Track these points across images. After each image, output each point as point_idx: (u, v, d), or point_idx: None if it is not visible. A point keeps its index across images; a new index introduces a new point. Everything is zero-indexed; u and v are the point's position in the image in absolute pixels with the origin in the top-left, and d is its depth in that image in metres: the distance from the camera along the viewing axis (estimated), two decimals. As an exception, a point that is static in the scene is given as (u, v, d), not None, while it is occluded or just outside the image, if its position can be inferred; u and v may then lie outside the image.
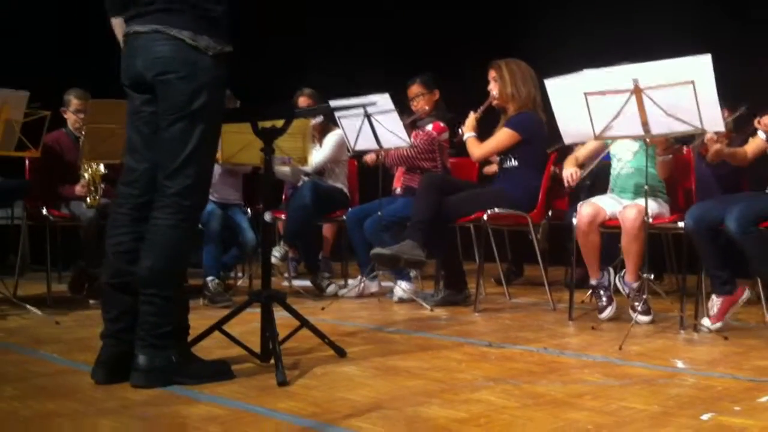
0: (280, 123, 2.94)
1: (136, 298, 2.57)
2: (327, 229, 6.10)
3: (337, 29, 7.75)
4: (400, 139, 4.53)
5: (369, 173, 5.52)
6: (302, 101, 5.45)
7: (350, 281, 5.21)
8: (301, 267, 5.63)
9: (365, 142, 4.68)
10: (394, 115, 4.47)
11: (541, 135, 4.57)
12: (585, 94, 3.46)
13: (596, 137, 3.58)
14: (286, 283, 5.45)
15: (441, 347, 3.26)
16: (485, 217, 4.30)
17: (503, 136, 4.54)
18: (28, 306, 4.09)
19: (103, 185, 4.57)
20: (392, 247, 4.22)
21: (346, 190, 5.41)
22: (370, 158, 5.27)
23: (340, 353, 2.99)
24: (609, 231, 4.06)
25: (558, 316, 4.15)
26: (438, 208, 4.35)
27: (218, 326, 2.86)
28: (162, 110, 2.58)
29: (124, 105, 4.28)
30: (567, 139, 3.82)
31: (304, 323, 2.93)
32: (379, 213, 4.64)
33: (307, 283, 5.29)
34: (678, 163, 4.09)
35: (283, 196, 5.78)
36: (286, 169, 5.19)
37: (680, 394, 2.45)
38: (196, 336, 2.79)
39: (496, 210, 4.35)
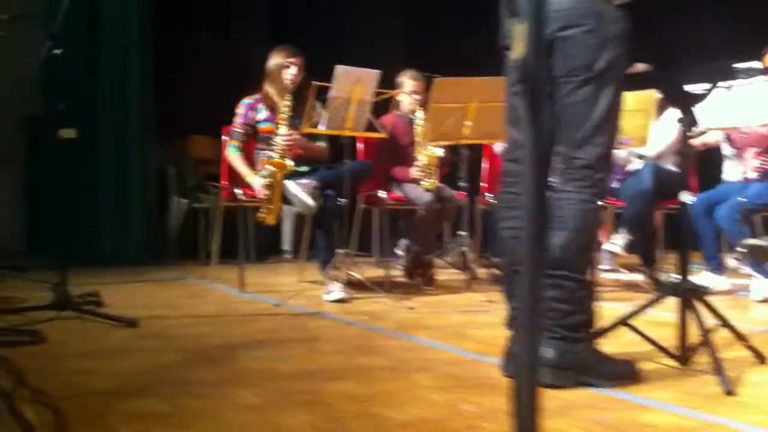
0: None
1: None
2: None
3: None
4: (769, 116, 3.96)
5: (702, 157, 4.97)
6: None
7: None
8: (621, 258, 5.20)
9: (718, 120, 4.14)
10: (763, 89, 3.90)
11: None
12: None
13: None
14: (607, 276, 5.05)
15: None
16: None
17: None
18: (381, 291, 4.04)
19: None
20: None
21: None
22: (701, 144, 4.71)
23: (761, 358, 2.58)
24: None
25: None
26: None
27: (624, 321, 2.55)
28: (563, 72, 2.28)
29: (470, 83, 4.22)
30: None
31: (724, 323, 2.54)
32: (741, 199, 4.11)
33: (635, 276, 4.86)
34: None
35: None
36: (620, 152, 4.76)
37: None
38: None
39: None
